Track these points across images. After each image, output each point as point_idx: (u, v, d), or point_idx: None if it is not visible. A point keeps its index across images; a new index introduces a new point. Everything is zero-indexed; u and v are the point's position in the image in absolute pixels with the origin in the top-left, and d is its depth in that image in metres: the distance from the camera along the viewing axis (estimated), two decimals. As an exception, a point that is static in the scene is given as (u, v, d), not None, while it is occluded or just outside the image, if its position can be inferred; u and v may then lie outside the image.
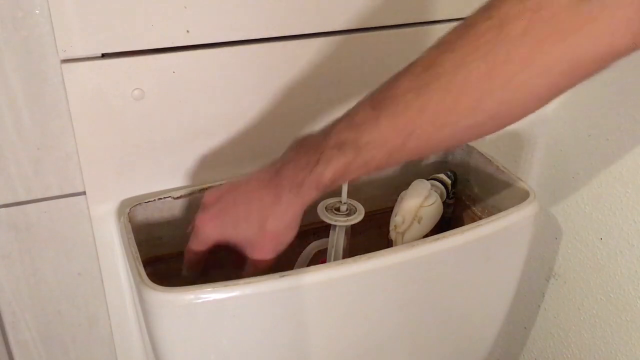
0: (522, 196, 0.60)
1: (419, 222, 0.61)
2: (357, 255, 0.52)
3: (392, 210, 0.64)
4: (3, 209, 0.58)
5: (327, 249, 0.60)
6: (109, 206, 0.61)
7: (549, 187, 0.81)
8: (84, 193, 0.60)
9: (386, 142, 0.44)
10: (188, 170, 0.63)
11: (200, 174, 0.63)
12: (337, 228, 0.59)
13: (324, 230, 0.60)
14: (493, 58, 0.40)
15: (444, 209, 0.65)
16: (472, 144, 0.69)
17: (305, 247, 0.62)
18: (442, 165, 0.71)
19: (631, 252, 0.69)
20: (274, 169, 0.49)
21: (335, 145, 0.45)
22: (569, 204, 0.78)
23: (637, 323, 0.70)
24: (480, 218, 0.67)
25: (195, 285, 0.49)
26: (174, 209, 0.61)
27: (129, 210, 0.58)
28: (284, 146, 0.64)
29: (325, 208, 0.59)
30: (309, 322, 0.54)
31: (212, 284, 0.49)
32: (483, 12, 0.41)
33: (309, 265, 0.61)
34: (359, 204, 0.60)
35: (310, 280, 0.51)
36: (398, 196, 0.64)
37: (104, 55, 0.54)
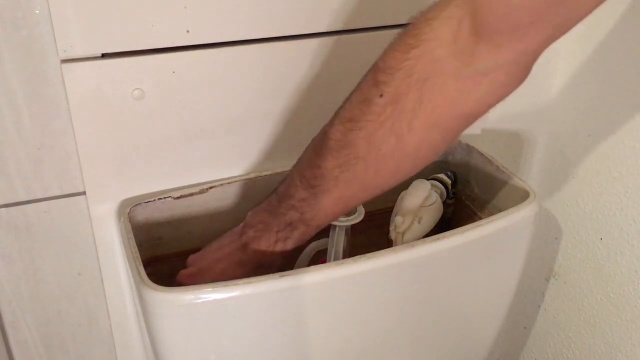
0: (522, 196, 0.60)
1: (419, 222, 0.61)
2: (357, 255, 0.52)
3: (392, 210, 0.64)
4: (3, 209, 0.58)
5: (327, 249, 0.60)
6: (109, 206, 0.61)
7: (549, 187, 0.81)
8: (84, 193, 0.60)
9: (329, 211, 0.51)
10: (188, 170, 0.62)
11: (200, 174, 0.63)
12: (337, 228, 0.59)
13: (324, 230, 0.60)
14: (398, 131, 0.45)
15: (444, 209, 0.65)
16: (472, 143, 0.69)
17: (305, 247, 0.62)
18: (442, 165, 0.71)
19: (631, 252, 0.69)
20: (240, 245, 0.55)
21: (285, 226, 0.52)
22: (569, 204, 0.78)
23: (637, 323, 0.70)
24: (480, 218, 0.67)
25: (195, 285, 0.49)
26: (174, 209, 0.61)
27: (129, 210, 0.58)
28: (284, 146, 0.64)
29: (326, 208, 0.59)
30: (309, 322, 0.54)
31: (212, 284, 0.49)
32: (373, 88, 0.45)
33: (309, 265, 0.61)
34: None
35: (310, 280, 0.51)
36: (398, 196, 0.64)
37: (104, 55, 0.54)
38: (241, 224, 0.56)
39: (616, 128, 0.69)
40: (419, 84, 0.43)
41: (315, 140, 0.50)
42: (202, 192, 0.62)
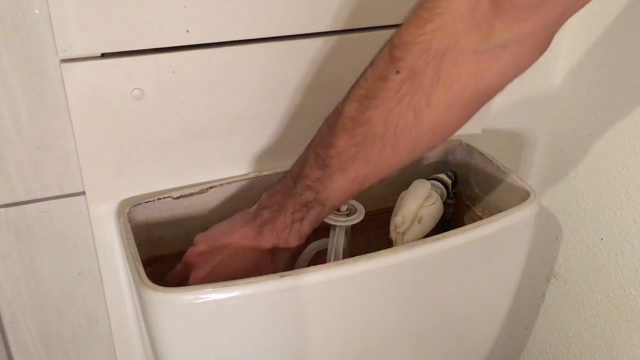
0: (523, 196, 0.60)
1: (419, 222, 0.61)
2: (357, 255, 0.52)
3: (392, 210, 0.64)
4: (3, 209, 0.58)
5: (327, 249, 0.60)
6: (108, 206, 0.61)
7: (549, 187, 0.81)
8: (83, 193, 0.60)
9: (344, 191, 0.50)
10: (188, 170, 0.62)
11: (200, 174, 0.63)
12: (337, 228, 0.59)
13: (324, 230, 0.60)
14: (416, 107, 0.44)
15: (444, 209, 0.64)
16: (472, 143, 0.69)
17: (305, 247, 0.62)
18: (443, 165, 0.71)
19: (631, 252, 0.69)
20: (255, 226, 0.54)
21: (301, 206, 0.51)
22: (569, 204, 0.78)
23: (638, 323, 0.70)
24: (480, 218, 0.67)
25: (195, 285, 0.49)
26: (174, 209, 0.61)
27: (128, 210, 0.58)
28: (284, 146, 0.64)
29: (326, 208, 0.59)
30: (309, 322, 0.54)
31: (212, 284, 0.49)
32: (390, 64, 0.44)
33: (309, 265, 0.61)
34: (359, 204, 0.60)
35: (310, 280, 0.51)
36: (398, 196, 0.64)
37: (104, 55, 0.54)
38: (254, 206, 0.55)
39: (616, 128, 0.69)
40: (437, 59, 0.42)
41: (330, 119, 0.49)
42: (202, 192, 0.61)
